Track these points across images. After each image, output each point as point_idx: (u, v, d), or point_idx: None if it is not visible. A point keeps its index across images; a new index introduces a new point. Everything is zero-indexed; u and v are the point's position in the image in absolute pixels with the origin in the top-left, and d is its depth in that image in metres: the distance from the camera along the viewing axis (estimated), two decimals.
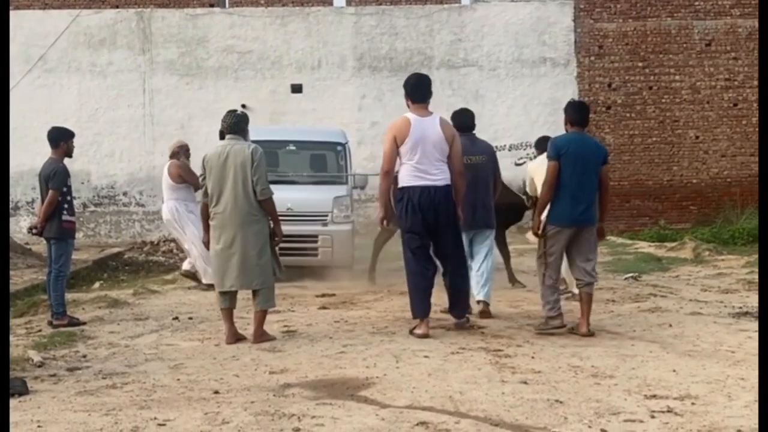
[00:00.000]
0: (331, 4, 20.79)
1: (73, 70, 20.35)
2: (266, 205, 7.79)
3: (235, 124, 7.92)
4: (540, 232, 7.88)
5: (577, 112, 8.02)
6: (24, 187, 19.95)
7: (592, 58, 20.62)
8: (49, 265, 9.05)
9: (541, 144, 9.92)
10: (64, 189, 8.93)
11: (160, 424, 5.09)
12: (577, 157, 7.69)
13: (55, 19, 20.15)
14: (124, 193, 20.26)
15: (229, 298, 7.87)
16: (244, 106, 20.01)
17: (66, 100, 20.15)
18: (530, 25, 20.58)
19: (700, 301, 9.63)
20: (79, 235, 20.05)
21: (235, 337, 7.76)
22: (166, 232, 19.39)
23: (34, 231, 9.08)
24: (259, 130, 15.26)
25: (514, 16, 20.53)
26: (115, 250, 17.75)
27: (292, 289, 10.92)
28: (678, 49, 20.54)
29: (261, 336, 7.72)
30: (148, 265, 15.63)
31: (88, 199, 20.20)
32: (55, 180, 8.87)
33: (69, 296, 10.75)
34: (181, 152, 11.73)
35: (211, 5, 20.76)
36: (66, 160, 9.10)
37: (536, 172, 9.22)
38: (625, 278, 11.66)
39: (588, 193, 7.75)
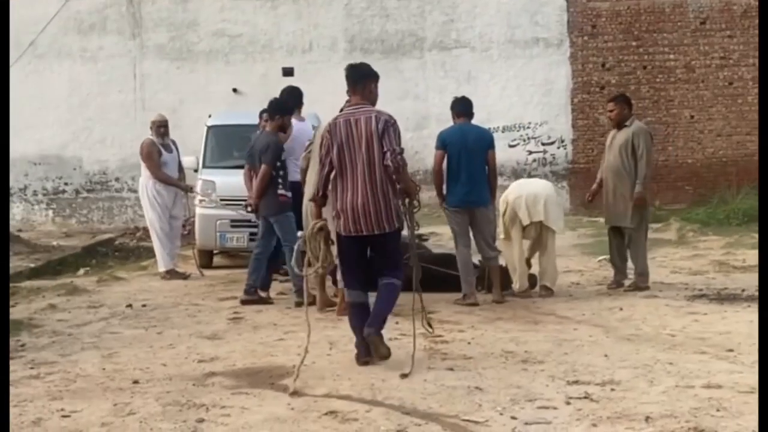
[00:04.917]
0: None
1: (63, 56, 20.26)
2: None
3: None
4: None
5: (462, 105, 8.90)
6: (16, 174, 19.95)
7: (585, 37, 20.32)
8: (269, 242, 8.99)
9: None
10: (278, 164, 8.75)
11: (64, 416, 5.06)
12: (461, 147, 8.56)
13: (44, 5, 20.06)
14: (116, 179, 20.15)
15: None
16: (235, 90, 19.96)
17: (57, 85, 20.05)
18: (522, 5, 20.28)
19: (664, 284, 9.48)
20: (71, 221, 20.33)
21: (326, 304, 8.33)
22: None
23: (249, 209, 9.08)
24: (230, 114, 15.08)
25: None
26: (107, 236, 17.72)
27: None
28: (672, 28, 20.19)
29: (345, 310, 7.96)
30: (139, 250, 15.52)
31: (80, 185, 20.12)
32: (268, 154, 8.68)
33: (38, 283, 10.75)
34: (153, 128, 11.30)
35: None
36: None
37: None
38: (599, 260, 11.50)
39: (474, 177, 8.57)
